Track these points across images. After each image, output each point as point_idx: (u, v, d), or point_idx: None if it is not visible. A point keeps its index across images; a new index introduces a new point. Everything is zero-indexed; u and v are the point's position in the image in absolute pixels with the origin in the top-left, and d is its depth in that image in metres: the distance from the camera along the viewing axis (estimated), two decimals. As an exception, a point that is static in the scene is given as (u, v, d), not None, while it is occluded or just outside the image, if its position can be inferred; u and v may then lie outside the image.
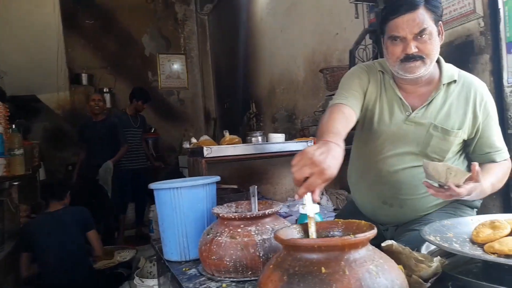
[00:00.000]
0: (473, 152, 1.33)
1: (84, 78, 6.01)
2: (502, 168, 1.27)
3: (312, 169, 0.85)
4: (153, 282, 1.83)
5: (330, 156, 0.90)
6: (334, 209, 2.19)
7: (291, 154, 2.02)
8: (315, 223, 0.84)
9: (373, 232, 0.72)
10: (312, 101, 3.53)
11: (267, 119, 4.85)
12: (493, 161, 1.28)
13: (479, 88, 1.28)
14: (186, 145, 2.19)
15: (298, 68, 3.93)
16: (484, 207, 1.58)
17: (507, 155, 1.29)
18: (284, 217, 1.88)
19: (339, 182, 2.44)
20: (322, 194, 2.49)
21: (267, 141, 2.18)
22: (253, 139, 2.18)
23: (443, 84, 1.27)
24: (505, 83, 1.56)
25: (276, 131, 3.37)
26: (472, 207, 1.38)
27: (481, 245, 0.97)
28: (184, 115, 7.19)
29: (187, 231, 1.26)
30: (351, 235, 0.70)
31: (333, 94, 1.40)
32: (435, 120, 1.27)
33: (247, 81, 5.41)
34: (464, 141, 1.32)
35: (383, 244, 0.92)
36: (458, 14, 1.72)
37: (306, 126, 2.82)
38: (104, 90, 6.06)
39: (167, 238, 1.29)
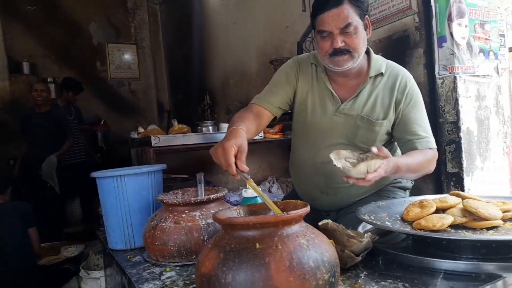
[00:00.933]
0: (397, 140, 1.38)
1: (26, 67, 5.63)
2: (423, 155, 1.27)
3: (218, 150, 1.04)
4: (100, 273, 1.78)
5: (228, 136, 1.11)
6: (284, 196, 2.25)
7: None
8: (257, 204, 0.88)
9: (305, 210, 0.76)
10: (264, 92, 3.57)
11: (221, 111, 4.84)
12: (415, 149, 1.29)
13: (404, 77, 1.35)
14: (134, 135, 2.14)
15: (251, 60, 3.96)
16: (418, 189, 1.71)
17: (432, 145, 1.31)
18: (235, 205, 1.91)
19: (288, 171, 2.51)
20: (273, 182, 2.56)
21: (218, 131, 2.18)
22: (204, 128, 2.17)
23: (370, 77, 1.34)
24: (436, 75, 1.68)
25: (227, 123, 3.38)
26: (404, 189, 1.48)
27: (410, 223, 1.05)
28: (136, 107, 6.97)
29: (132, 219, 1.25)
30: (285, 213, 0.74)
31: None
32: (362, 112, 1.34)
33: (201, 72, 5.36)
34: (392, 131, 1.38)
35: (319, 223, 0.98)
36: (396, 9, 1.83)
37: (258, 117, 2.85)
38: (48, 80, 5.73)
39: (111, 227, 1.27)
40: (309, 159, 1.43)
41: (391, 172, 1.14)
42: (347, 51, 1.25)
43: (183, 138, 1.98)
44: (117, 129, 6.46)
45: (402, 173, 1.22)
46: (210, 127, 2.22)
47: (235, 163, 1.01)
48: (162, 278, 0.95)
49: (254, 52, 3.88)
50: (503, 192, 1.70)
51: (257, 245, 0.69)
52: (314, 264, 0.69)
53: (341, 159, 1.15)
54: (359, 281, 0.84)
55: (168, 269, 1.01)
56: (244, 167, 1.01)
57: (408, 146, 1.31)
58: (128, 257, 1.16)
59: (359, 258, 0.90)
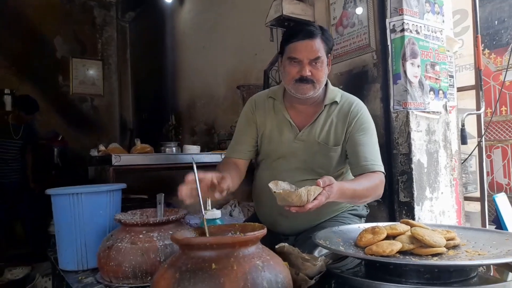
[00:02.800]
0: (349, 164, 1.44)
1: (-18, 76, 5.37)
2: (369, 180, 1.31)
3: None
4: (46, 297, 1.69)
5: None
6: (244, 220, 2.26)
7: (206, 165, 2.05)
8: (216, 226, 0.89)
9: (262, 232, 0.79)
10: (231, 116, 3.63)
11: (186, 132, 4.82)
12: (362, 171, 1.34)
13: (357, 106, 1.45)
14: (94, 152, 2.08)
15: (219, 84, 4.02)
16: (373, 217, 1.78)
17: (378, 168, 1.35)
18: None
19: (251, 196, 2.53)
20: (235, 206, 2.56)
21: (182, 152, 2.18)
22: (167, 149, 2.16)
23: (325, 105, 1.44)
24: (391, 109, 1.79)
25: (195, 144, 3.38)
26: (360, 216, 1.55)
27: (363, 248, 1.09)
28: (97, 124, 6.79)
29: (87, 239, 1.22)
30: (242, 234, 0.76)
31: None
32: (319, 138, 1.42)
33: (168, 93, 5.35)
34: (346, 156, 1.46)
35: (276, 246, 1.00)
36: (356, 46, 1.95)
37: (223, 140, 2.88)
38: (5, 91, 5.47)
39: (63, 246, 1.22)
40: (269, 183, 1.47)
41: (335, 197, 1.16)
42: (311, 81, 1.36)
43: (145, 158, 1.96)
44: (76, 146, 6.23)
45: (347, 197, 1.24)
46: (174, 148, 2.21)
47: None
48: (115, 300, 0.93)
49: (222, 76, 3.95)
50: (449, 221, 1.81)
51: (213, 266, 0.71)
52: (268, 285, 0.71)
53: (279, 190, 1.16)
54: (312, 303, 0.86)
55: (121, 290, 0.99)
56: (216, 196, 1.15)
57: (356, 169, 1.37)
58: (80, 278, 1.12)
59: (313, 281, 0.93)
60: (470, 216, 2.06)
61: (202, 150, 2.56)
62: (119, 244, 1.05)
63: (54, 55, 6.34)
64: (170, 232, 1.10)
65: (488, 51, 5.75)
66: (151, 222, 1.09)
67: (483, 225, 1.98)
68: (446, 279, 0.95)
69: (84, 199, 1.21)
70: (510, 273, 1.03)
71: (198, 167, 2.24)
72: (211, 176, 1.14)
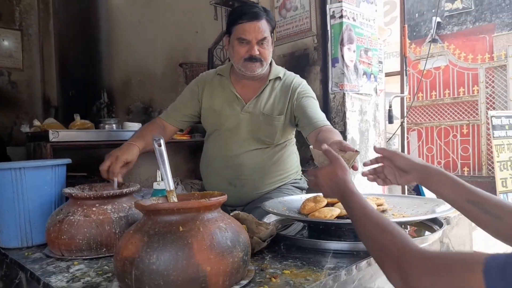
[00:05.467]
0: (300, 128, 1.51)
1: None
2: (334, 133, 1.31)
3: (112, 157, 1.30)
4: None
5: (122, 148, 1.37)
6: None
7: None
8: (179, 195, 0.93)
9: (224, 197, 0.85)
10: (170, 94, 3.56)
11: (120, 111, 4.62)
12: (315, 128, 1.38)
13: (297, 80, 1.58)
14: (25, 128, 1.94)
15: (156, 62, 3.90)
16: (311, 189, 1.92)
17: (326, 123, 1.39)
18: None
19: (193, 173, 2.56)
20: (178, 184, 2.57)
21: (122, 129, 2.12)
22: (107, 126, 2.09)
23: (270, 80, 1.55)
24: (330, 90, 1.93)
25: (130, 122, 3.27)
26: (301, 189, 1.68)
27: (306, 215, 1.21)
28: (16, 100, 6.15)
29: (31, 215, 1.17)
30: (206, 199, 0.81)
31: None
32: (263, 109, 1.53)
33: (99, 69, 5.04)
34: (297, 126, 1.55)
35: (231, 214, 1.07)
36: (298, 30, 2.05)
37: (163, 118, 2.83)
38: None
39: (5, 224, 1.16)
40: (218, 154, 1.58)
41: None
42: (259, 60, 1.46)
43: (86, 134, 1.88)
44: (-10, 124, 5.65)
45: None
46: (114, 125, 2.15)
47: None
48: (71, 270, 0.93)
49: (160, 54, 3.84)
50: (377, 191, 2.03)
51: (180, 228, 0.75)
52: (231, 243, 0.77)
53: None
54: (265, 262, 0.95)
55: (76, 262, 0.99)
56: (119, 178, 1.27)
57: (307, 128, 1.42)
58: (26, 254, 1.09)
59: (265, 243, 1.01)
60: (392, 188, 2.32)
61: (142, 128, 2.50)
62: (71, 218, 1.04)
63: (-38, 22, 5.60)
64: (124, 205, 1.11)
65: (409, 41, 6.30)
66: (104, 195, 1.08)
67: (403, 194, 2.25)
68: (378, 237, 1.09)
69: (27, 174, 1.16)
70: (425, 231, 1.22)
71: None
72: (121, 160, 1.31)
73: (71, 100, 5.92)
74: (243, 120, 1.54)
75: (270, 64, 1.57)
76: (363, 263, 0.95)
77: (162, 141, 1.03)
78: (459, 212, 1.44)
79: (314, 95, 1.57)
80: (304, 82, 1.59)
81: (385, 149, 1.02)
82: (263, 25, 1.43)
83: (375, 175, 1.12)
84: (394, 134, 2.48)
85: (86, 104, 5.16)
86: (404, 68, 2.26)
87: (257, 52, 1.44)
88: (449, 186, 0.87)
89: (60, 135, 1.77)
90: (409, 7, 6.45)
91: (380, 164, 1.09)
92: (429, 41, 5.70)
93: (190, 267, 0.71)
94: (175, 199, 0.92)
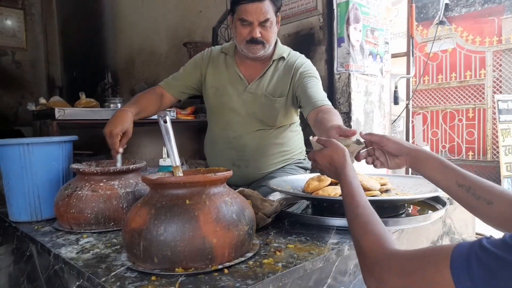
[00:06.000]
0: (302, 110, 1.48)
1: None
2: (334, 111, 1.31)
3: (106, 133, 1.30)
4: (-10, 253, 1.61)
5: (115, 120, 1.33)
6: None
7: (151, 123, 2.03)
8: (185, 171, 0.95)
9: (229, 173, 0.86)
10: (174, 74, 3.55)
11: (124, 91, 4.62)
12: (315, 107, 1.36)
13: (301, 59, 1.54)
14: (32, 106, 1.95)
15: (161, 42, 3.88)
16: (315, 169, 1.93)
17: (326, 103, 1.37)
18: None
19: (198, 153, 2.58)
20: (182, 164, 2.59)
21: (127, 108, 2.13)
22: (112, 105, 2.10)
23: (273, 60, 1.53)
24: (335, 70, 1.92)
25: (134, 103, 3.28)
26: (305, 169, 1.69)
27: (310, 193, 1.22)
28: (21, 80, 6.17)
29: (40, 190, 1.19)
30: (212, 174, 0.82)
31: None
32: (265, 91, 1.52)
33: (103, 49, 5.02)
34: (299, 107, 1.52)
35: (236, 190, 1.08)
36: (304, 9, 2.02)
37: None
38: None
39: (14, 198, 1.19)
40: (222, 135, 1.58)
41: None
42: (261, 42, 1.43)
43: (91, 112, 1.89)
44: (-5, 104, 5.67)
45: None
46: (119, 104, 2.16)
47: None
48: (80, 243, 0.95)
49: (164, 33, 3.81)
50: (381, 171, 2.03)
51: (187, 201, 0.77)
52: (236, 217, 0.79)
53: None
54: (270, 237, 0.97)
55: (85, 235, 1.01)
56: (120, 150, 1.28)
57: (307, 108, 1.41)
58: (36, 227, 1.11)
59: (270, 219, 1.03)
60: (396, 171, 2.33)
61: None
62: (79, 192, 1.06)
63: (-35, 0, 5.56)
64: (131, 181, 1.13)
65: (416, 23, 6.19)
66: (111, 171, 1.10)
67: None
68: (381, 215, 1.11)
69: (35, 149, 1.17)
70: (428, 210, 1.24)
71: (143, 125, 2.24)
72: (116, 134, 1.30)
73: (75, 81, 5.92)
74: (246, 101, 1.53)
75: (276, 43, 1.55)
76: (366, 239, 0.97)
77: (167, 118, 1.04)
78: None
79: (317, 74, 1.54)
80: (307, 62, 1.55)
81: (373, 134, 0.98)
82: (266, 6, 1.38)
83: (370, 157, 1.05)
84: (399, 116, 2.48)
85: (90, 84, 5.17)
86: (411, 49, 2.23)
87: (259, 35, 1.41)
88: (439, 170, 0.85)
89: (66, 113, 1.79)
90: (417, -12, 6.33)
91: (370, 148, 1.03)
92: (437, 23, 5.60)
93: (196, 238, 0.73)
94: (181, 174, 0.93)
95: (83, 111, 1.87)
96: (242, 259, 0.80)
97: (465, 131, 5.64)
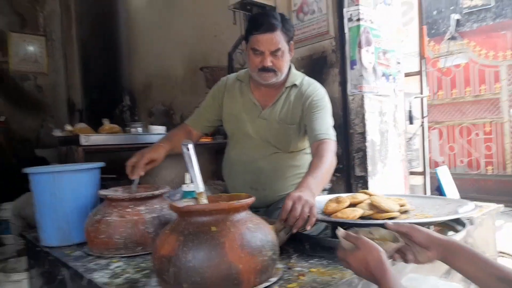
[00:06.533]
0: (308, 138, 1.54)
1: None
2: (319, 157, 1.35)
3: (137, 156, 1.40)
4: (22, 276, 1.68)
5: (148, 149, 1.46)
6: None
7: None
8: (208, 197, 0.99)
9: (251, 199, 0.90)
10: (191, 97, 3.64)
11: (142, 113, 4.75)
12: (315, 140, 1.42)
13: (312, 87, 1.57)
14: (57, 132, 2.04)
15: (177, 65, 3.99)
16: (333, 190, 1.96)
17: (326, 136, 1.42)
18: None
19: (216, 174, 2.62)
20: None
21: (148, 132, 2.21)
22: (133, 129, 2.18)
23: (286, 87, 1.57)
24: (348, 92, 1.96)
25: (152, 125, 3.37)
26: (323, 190, 1.71)
27: (329, 215, 1.25)
28: (42, 104, 6.40)
29: (69, 216, 1.25)
30: (236, 201, 0.86)
31: None
32: (278, 117, 1.56)
33: (121, 72, 5.19)
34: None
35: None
36: (316, 33, 2.08)
37: (186, 121, 2.92)
38: None
39: (45, 223, 1.25)
40: (238, 159, 1.63)
41: (316, 190, 1.22)
42: (272, 70, 1.48)
43: (114, 138, 1.97)
44: (19, 128, 5.87)
45: (322, 183, 1.31)
46: (139, 129, 2.23)
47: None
48: (111, 268, 1.00)
49: (180, 57, 3.93)
50: (398, 191, 2.05)
51: (213, 228, 0.81)
52: (260, 243, 0.82)
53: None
54: (292, 261, 0.99)
55: (114, 260, 1.06)
56: (136, 174, 1.35)
57: (310, 140, 1.48)
58: (67, 252, 1.17)
59: (286, 236, 1.05)
60: (413, 189, 2.33)
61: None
62: (108, 218, 1.11)
63: (-10, 29, 5.85)
64: (155, 206, 1.18)
65: (428, 39, 6.21)
66: (137, 197, 1.15)
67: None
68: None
69: (65, 177, 1.24)
70: (448, 231, 1.24)
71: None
72: (147, 157, 1.41)
73: (94, 103, 6.10)
74: (260, 126, 1.57)
75: (290, 70, 1.59)
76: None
77: (190, 146, 1.09)
78: (482, 212, 1.45)
79: (325, 103, 1.55)
80: (318, 91, 1.57)
81: (400, 225, 0.89)
82: (277, 36, 1.43)
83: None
84: (414, 134, 2.49)
85: (109, 107, 5.33)
86: (423, 69, 2.26)
87: (270, 63, 1.46)
88: (474, 262, 0.78)
89: (90, 139, 1.86)
90: (427, 5, 6.35)
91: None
92: (448, 38, 5.61)
93: (223, 264, 0.77)
94: (206, 201, 0.98)
95: (107, 137, 1.95)
96: (267, 284, 0.83)
97: (483, 146, 5.56)
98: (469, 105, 5.71)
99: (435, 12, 6.40)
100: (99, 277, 0.92)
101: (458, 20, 6.01)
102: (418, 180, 2.45)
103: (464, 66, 5.74)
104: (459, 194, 1.79)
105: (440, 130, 5.93)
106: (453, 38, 5.87)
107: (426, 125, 2.42)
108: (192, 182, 1.08)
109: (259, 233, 0.84)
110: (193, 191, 1.21)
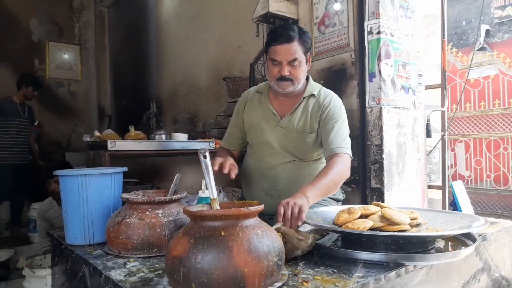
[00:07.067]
0: (323, 149, 1.61)
1: (-45, 57, 5.22)
2: (332, 166, 1.47)
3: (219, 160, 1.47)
4: (46, 272, 1.78)
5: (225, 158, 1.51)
6: (229, 205, 2.41)
7: (193, 152, 2.17)
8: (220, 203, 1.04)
9: (261, 207, 0.95)
10: (214, 105, 3.74)
11: (167, 120, 4.89)
12: (330, 153, 1.52)
13: (329, 98, 1.63)
14: (86, 138, 2.17)
15: (202, 74, 4.11)
16: (348, 201, 1.97)
17: (341, 150, 1.52)
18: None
19: (234, 181, 2.68)
20: (220, 191, 2.71)
21: (171, 139, 2.30)
22: (157, 136, 2.27)
23: (304, 97, 1.63)
24: (367, 104, 1.98)
25: (177, 132, 3.48)
26: (337, 200, 1.74)
27: (340, 226, 1.27)
28: (74, 110, 6.71)
29: (93, 216, 1.33)
30: (245, 208, 0.91)
31: (235, 101, 1.82)
32: (296, 126, 1.62)
33: (149, 80, 5.38)
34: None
35: (273, 227, 1.16)
36: (336, 45, 2.12)
37: (208, 129, 3.01)
38: (-20, 74, 5.35)
39: (71, 223, 1.33)
40: (256, 166, 1.70)
41: (313, 198, 1.35)
42: (290, 79, 1.55)
43: (139, 144, 2.07)
44: (51, 131, 6.17)
45: (323, 193, 1.43)
46: (163, 135, 2.33)
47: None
48: (127, 266, 1.06)
49: (205, 66, 4.04)
50: (415, 204, 2.03)
51: (222, 233, 0.86)
52: (266, 249, 0.86)
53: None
54: (298, 268, 1.03)
55: (131, 260, 1.12)
56: (233, 172, 1.46)
57: (325, 152, 1.57)
58: (89, 251, 1.24)
59: (301, 253, 1.09)
60: (432, 203, 2.30)
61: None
62: (128, 220, 1.18)
63: (30, 38, 6.21)
64: (173, 210, 1.24)
65: (456, 49, 6.09)
66: (156, 201, 1.22)
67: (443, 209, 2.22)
68: (409, 249, 1.14)
69: (91, 180, 1.32)
70: (459, 246, 1.24)
71: (185, 154, 2.39)
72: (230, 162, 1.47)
73: (123, 110, 6.35)
74: (278, 135, 1.63)
75: (307, 80, 1.66)
76: (392, 273, 1.01)
77: (207, 154, 1.15)
78: (497, 229, 1.44)
79: (341, 115, 1.60)
80: (335, 102, 1.62)
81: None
82: (295, 47, 1.51)
83: None
84: (434, 147, 2.46)
85: (137, 113, 5.52)
86: (444, 82, 2.25)
87: (287, 73, 1.52)
88: None
89: (117, 144, 1.97)
90: (456, 15, 6.24)
91: None
92: (477, 49, 5.48)
93: (230, 267, 0.81)
94: (218, 207, 1.03)
95: (132, 143, 2.05)
96: (271, 288, 0.87)
97: (511, 160, 5.37)
98: (498, 118, 5.53)
99: (464, 22, 6.27)
100: (116, 274, 0.99)
101: (488, 31, 5.87)
102: (437, 194, 2.42)
103: (493, 78, 5.58)
104: (485, 209, 1.75)
105: (466, 143, 5.77)
106: (482, 49, 5.73)
107: (446, 138, 2.39)
108: (207, 188, 1.14)
109: (266, 239, 0.88)
110: (208, 197, 1.27)
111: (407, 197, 2.02)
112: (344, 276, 0.96)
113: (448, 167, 2.35)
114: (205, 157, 1.15)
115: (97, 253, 1.22)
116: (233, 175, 1.45)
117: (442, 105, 2.24)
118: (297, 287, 0.89)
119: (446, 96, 2.21)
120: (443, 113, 2.43)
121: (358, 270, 1.01)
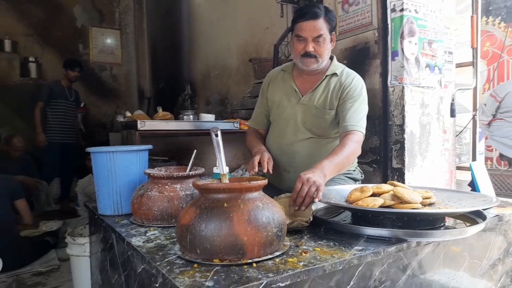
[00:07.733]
0: (339, 126, 1.63)
1: (8, 44, 5.64)
2: (344, 145, 1.50)
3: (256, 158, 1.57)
4: (85, 240, 1.97)
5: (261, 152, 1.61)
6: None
7: (221, 132, 2.25)
8: (230, 178, 1.12)
9: (263, 182, 1.01)
10: (243, 87, 3.81)
11: (201, 102, 5.04)
12: (344, 131, 1.56)
13: (351, 77, 1.64)
14: (120, 118, 2.32)
15: (232, 57, 4.17)
16: (368, 180, 1.98)
17: (355, 128, 1.54)
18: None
19: (260, 161, 2.75)
20: (245, 170, 2.80)
21: (198, 120, 2.40)
22: (185, 117, 2.38)
23: (326, 76, 1.66)
24: (389, 83, 1.95)
25: (209, 113, 3.60)
26: (355, 180, 1.76)
27: (351, 203, 1.31)
28: (116, 92, 7.05)
29: (121, 190, 1.46)
30: (247, 182, 0.98)
31: (260, 82, 1.89)
32: (317, 103, 1.65)
33: (184, 63, 5.53)
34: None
35: (275, 197, 1.23)
36: (360, 24, 2.09)
37: (236, 110, 3.09)
38: (30, 59, 5.75)
39: (101, 195, 1.47)
40: (276, 142, 1.76)
41: (329, 173, 1.40)
42: (314, 56, 1.58)
43: (166, 124, 2.19)
44: (96, 113, 6.54)
45: (338, 169, 1.47)
46: (191, 116, 2.43)
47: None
48: (147, 234, 1.18)
49: (235, 49, 4.10)
50: (440, 185, 2.00)
51: (225, 204, 0.93)
52: (266, 220, 0.93)
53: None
54: (302, 240, 1.09)
55: (152, 229, 1.24)
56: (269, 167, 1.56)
57: (341, 128, 1.59)
58: (117, 220, 1.38)
59: (307, 224, 1.15)
60: (461, 184, 2.25)
61: (216, 119, 2.78)
62: (149, 193, 1.29)
63: (74, 24, 6.54)
64: (190, 185, 1.33)
65: (504, 24, 5.68)
66: (174, 176, 1.32)
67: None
68: (418, 227, 1.15)
69: (118, 156, 1.44)
70: (469, 225, 1.24)
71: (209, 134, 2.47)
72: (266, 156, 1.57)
73: (161, 92, 6.58)
74: (298, 111, 1.68)
75: (331, 60, 1.69)
76: (393, 248, 1.04)
77: (219, 132, 1.23)
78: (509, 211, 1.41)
79: (361, 95, 1.61)
80: (357, 83, 1.63)
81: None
82: (320, 24, 1.54)
83: None
84: (465, 127, 2.38)
85: (173, 95, 5.72)
86: (474, 60, 2.16)
87: (312, 49, 1.56)
88: None
89: (146, 124, 2.09)
90: (505, -14, 5.80)
91: None
92: (527, 23, 5.08)
93: (230, 236, 0.89)
94: (227, 181, 1.10)
95: (160, 123, 2.17)
96: (270, 256, 0.94)
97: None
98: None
99: (514, -6, 5.80)
100: (136, 241, 1.10)
101: (540, 3, 5.40)
102: (466, 175, 2.35)
103: (546, 54, 5.16)
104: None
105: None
106: (533, 23, 5.31)
107: (478, 118, 2.30)
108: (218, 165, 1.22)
109: (267, 211, 0.95)
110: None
111: (430, 178, 1.99)
112: (343, 248, 1.01)
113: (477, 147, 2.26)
114: (216, 135, 1.22)
115: (123, 222, 1.35)
116: (270, 171, 1.53)
117: (473, 84, 2.16)
118: (295, 256, 0.95)
119: (475, 74, 2.12)
120: (474, 92, 2.34)
121: (359, 244, 1.05)
